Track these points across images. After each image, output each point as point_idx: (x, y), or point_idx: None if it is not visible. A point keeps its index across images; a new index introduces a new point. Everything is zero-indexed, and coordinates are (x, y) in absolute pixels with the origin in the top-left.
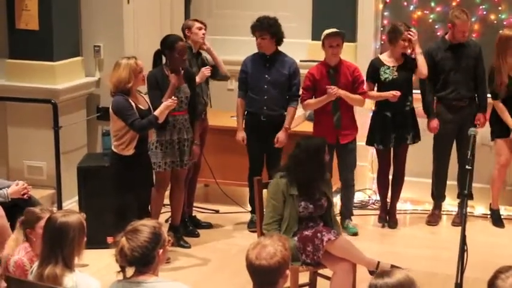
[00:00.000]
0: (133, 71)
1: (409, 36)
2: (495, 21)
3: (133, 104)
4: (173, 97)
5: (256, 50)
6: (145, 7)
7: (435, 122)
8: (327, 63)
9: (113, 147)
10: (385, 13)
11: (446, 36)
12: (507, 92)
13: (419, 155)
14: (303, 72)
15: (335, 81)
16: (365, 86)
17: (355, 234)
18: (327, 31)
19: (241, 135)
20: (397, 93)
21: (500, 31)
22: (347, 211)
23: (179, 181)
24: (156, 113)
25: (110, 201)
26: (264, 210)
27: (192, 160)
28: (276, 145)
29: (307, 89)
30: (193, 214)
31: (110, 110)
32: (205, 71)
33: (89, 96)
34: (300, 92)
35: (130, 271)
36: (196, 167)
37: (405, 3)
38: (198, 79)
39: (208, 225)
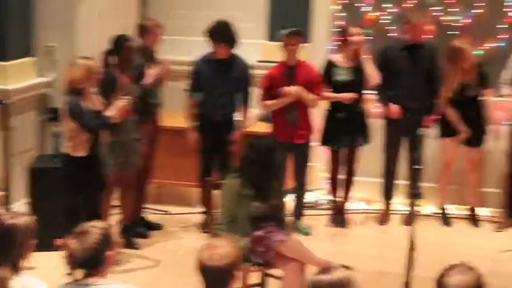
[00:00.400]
0: (88, 72)
1: (356, 38)
2: (449, 23)
3: (86, 104)
4: (125, 97)
5: (209, 50)
6: (101, 7)
7: (396, 108)
8: (286, 63)
9: (64, 149)
10: (340, 14)
11: (402, 37)
12: (455, 96)
13: (371, 156)
14: (260, 72)
15: (293, 81)
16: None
17: (307, 234)
18: (286, 30)
19: (193, 136)
20: (354, 95)
21: (453, 41)
22: (299, 211)
23: (129, 181)
24: (108, 113)
25: (61, 203)
26: (218, 210)
27: (140, 161)
28: (232, 147)
29: (267, 89)
30: (143, 216)
31: (63, 110)
32: (157, 71)
33: (41, 96)
34: (260, 93)
35: (79, 273)
36: (147, 168)
37: (360, 5)
38: (150, 79)
39: (159, 227)
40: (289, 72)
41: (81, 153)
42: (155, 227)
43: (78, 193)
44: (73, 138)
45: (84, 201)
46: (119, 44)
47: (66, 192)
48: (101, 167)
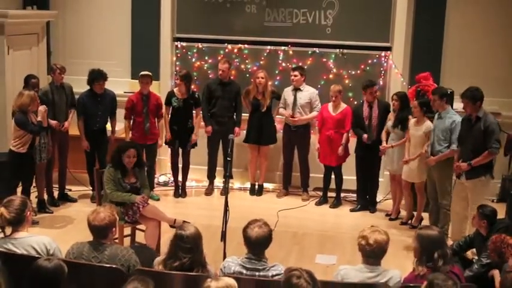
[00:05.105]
0: (32, 99)
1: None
2: (244, 69)
3: (29, 119)
4: (41, 106)
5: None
6: (20, 56)
7: (209, 128)
8: (141, 93)
9: (11, 147)
10: (177, 63)
11: (219, 76)
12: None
13: (200, 152)
14: (125, 99)
15: (147, 104)
16: (164, 109)
17: (158, 200)
18: (142, 73)
19: (85, 143)
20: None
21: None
22: (151, 186)
23: (40, 170)
24: (39, 118)
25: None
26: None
27: (48, 156)
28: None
29: (128, 109)
30: (66, 192)
31: (13, 123)
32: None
33: None
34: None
35: (8, 230)
36: (51, 162)
37: (189, 57)
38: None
39: (75, 200)
40: (144, 98)
41: (23, 150)
42: (72, 199)
43: (18, 177)
44: (19, 139)
45: (23, 183)
46: (26, 80)
47: (12, 176)
48: (33, 160)
